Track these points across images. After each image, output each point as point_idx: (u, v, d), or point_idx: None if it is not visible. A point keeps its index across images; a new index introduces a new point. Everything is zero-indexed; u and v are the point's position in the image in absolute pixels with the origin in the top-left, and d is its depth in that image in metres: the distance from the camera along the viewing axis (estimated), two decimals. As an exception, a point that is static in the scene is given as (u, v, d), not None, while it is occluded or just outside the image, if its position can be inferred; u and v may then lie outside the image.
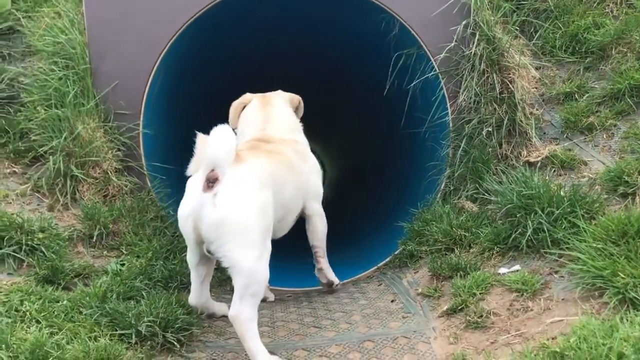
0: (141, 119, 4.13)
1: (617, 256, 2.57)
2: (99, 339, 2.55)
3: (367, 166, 7.83)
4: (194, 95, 5.53)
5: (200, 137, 2.82)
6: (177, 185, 4.31)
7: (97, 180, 3.93)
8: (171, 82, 4.71)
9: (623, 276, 2.44)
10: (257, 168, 2.94)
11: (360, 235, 5.94)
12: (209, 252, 2.76)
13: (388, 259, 4.08)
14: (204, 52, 4.97)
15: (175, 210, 3.99)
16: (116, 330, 2.70)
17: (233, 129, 2.91)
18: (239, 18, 4.72)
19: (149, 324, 2.67)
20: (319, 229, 3.67)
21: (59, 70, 4.06)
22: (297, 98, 3.90)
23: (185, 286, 3.41)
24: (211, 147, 2.68)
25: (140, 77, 4.16)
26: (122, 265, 3.44)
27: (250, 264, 2.68)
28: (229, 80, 5.72)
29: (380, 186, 6.55)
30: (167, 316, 2.75)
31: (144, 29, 4.18)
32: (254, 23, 4.86)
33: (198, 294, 3.01)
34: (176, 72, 4.72)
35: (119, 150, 4.06)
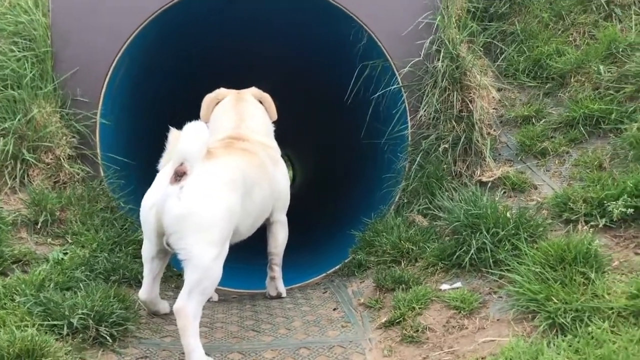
0: (99, 107, 4.08)
1: (553, 281, 2.62)
2: (27, 328, 2.49)
3: (330, 173, 7.85)
4: (160, 88, 5.48)
5: (173, 132, 2.86)
6: (131, 177, 4.29)
7: (49, 166, 3.86)
8: (136, 72, 4.66)
9: (556, 301, 2.49)
10: (228, 167, 2.93)
11: (317, 240, 5.94)
12: (168, 244, 2.75)
13: (338, 267, 4.10)
14: (172, 45, 4.93)
15: (127, 203, 3.99)
16: (48, 321, 2.64)
17: (205, 123, 2.91)
18: (208, 16, 4.69)
19: (83, 316, 2.61)
20: (280, 237, 3.66)
21: (19, 51, 3.99)
22: (266, 96, 3.85)
23: (127, 280, 3.37)
24: (183, 140, 2.71)
25: (102, 65, 4.11)
26: (65, 254, 3.38)
27: (208, 262, 2.67)
28: (197, 76, 5.70)
29: (340, 194, 6.58)
30: (103, 310, 2.70)
31: (110, 17, 4.13)
32: (223, 22, 4.84)
33: (149, 289, 3.00)
34: (142, 63, 4.67)
35: (74, 137, 3.99)
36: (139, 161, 4.84)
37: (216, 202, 2.76)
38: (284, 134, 3.99)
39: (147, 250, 2.94)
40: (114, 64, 4.13)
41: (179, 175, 2.71)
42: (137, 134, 5.02)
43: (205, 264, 2.66)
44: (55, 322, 2.62)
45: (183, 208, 2.66)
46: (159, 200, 2.71)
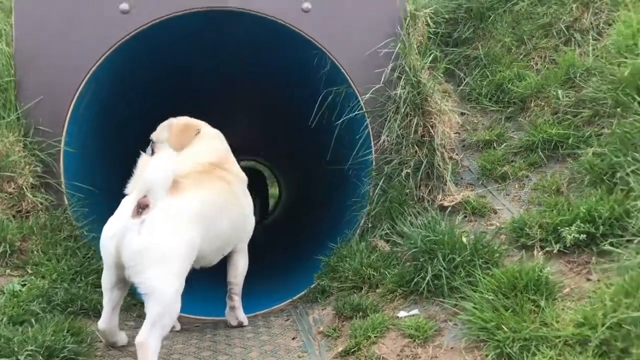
0: (63, 135, 4.07)
1: (504, 309, 2.64)
2: (-27, 366, 2.46)
3: (297, 198, 7.88)
4: (131, 112, 5.48)
5: (143, 157, 2.89)
6: (97, 204, 4.27)
7: (11, 196, 3.85)
8: (104, 98, 4.67)
9: (505, 330, 2.50)
10: (193, 201, 2.94)
11: (286, 264, 5.93)
12: (128, 277, 2.76)
13: (303, 292, 4.09)
14: (142, 68, 4.94)
15: (91, 230, 3.98)
16: (-3, 357, 2.62)
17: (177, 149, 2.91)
18: (176, 40, 4.71)
19: (31, 352, 2.59)
20: (240, 266, 3.66)
21: (-19, 80, 3.98)
22: None
23: (86, 311, 3.35)
24: (148, 172, 2.72)
25: (67, 93, 4.11)
26: (23, 285, 3.35)
27: (170, 296, 2.70)
28: (167, 99, 5.71)
29: (310, 217, 6.59)
30: (54, 344, 2.68)
31: (75, 44, 4.14)
32: (191, 46, 4.86)
33: (108, 319, 2.98)
34: (110, 88, 4.68)
35: (37, 166, 3.98)
36: (109, 186, 4.84)
37: (176, 238, 2.78)
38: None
39: (107, 279, 2.92)
40: (78, 92, 4.14)
41: (141, 207, 2.71)
42: (107, 159, 5.01)
43: (165, 299, 2.69)
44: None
45: (142, 243, 2.67)
46: (119, 232, 2.72)
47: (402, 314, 3.09)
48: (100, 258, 3.70)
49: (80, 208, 4.06)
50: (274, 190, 15.66)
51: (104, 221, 4.21)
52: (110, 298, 2.95)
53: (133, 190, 2.84)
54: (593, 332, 2.29)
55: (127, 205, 2.79)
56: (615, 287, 2.45)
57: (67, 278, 3.52)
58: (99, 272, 3.63)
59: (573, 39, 4.22)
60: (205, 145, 3.59)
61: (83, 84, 4.15)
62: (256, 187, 11.67)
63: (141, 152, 2.92)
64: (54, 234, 3.82)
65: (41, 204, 3.93)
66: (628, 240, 2.76)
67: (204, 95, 5.93)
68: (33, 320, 2.92)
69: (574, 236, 2.96)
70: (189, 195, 2.92)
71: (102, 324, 2.99)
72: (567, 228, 3.01)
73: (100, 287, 3.16)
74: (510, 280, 2.75)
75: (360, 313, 3.16)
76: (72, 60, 4.13)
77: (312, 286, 4.01)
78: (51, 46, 4.13)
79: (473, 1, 4.70)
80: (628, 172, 3.00)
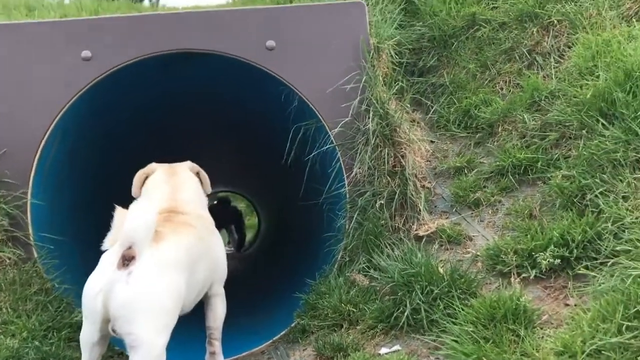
0: (29, 187, 3.99)
1: (484, 341, 2.61)
2: None
3: (276, 230, 7.84)
4: (102, 159, 5.43)
5: (119, 211, 2.79)
6: (67, 255, 4.19)
7: (-23, 252, 3.75)
8: (72, 147, 4.61)
9: (487, 362, 2.48)
10: (176, 248, 2.90)
11: (265, 305, 5.85)
12: (113, 330, 2.65)
13: (284, 332, 4.02)
14: (106, 117, 4.90)
15: (62, 282, 3.88)
16: None
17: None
18: (141, 83, 4.69)
19: (1, 419, 2.49)
20: (219, 311, 3.54)
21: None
22: (202, 170, 3.78)
23: (58, 370, 3.24)
24: (129, 224, 2.64)
25: (31, 144, 4.03)
26: (-8, 346, 3.24)
27: (159, 349, 2.65)
28: (140, 142, 5.67)
29: (285, 251, 6.54)
30: (25, 409, 2.58)
31: (37, 95, 4.08)
32: (157, 89, 4.84)
33: None
34: (78, 136, 4.62)
35: (3, 220, 3.88)
36: (80, 236, 4.76)
37: (165, 287, 2.73)
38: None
39: (89, 336, 2.76)
40: (43, 141, 4.07)
41: (127, 259, 2.64)
42: (77, 209, 4.93)
43: (153, 353, 2.62)
44: None
45: (131, 293, 2.60)
46: (106, 286, 2.63)
47: (383, 350, 3.05)
48: (74, 311, 3.70)
49: (50, 260, 3.95)
50: (253, 221, 15.61)
51: (75, 271, 4.17)
52: (90, 356, 2.79)
53: (112, 244, 2.76)
54: (573, 360, 2.28)
55: (109, 259, 2.71)
56: (592, 312, 2.45)
57: (38, 335, 3.41)
58: (72, 325, 3.57)
59: (535, 63, 4.30)
60: (155, 192, 3.51)
61: (48, 133, 4.08)
62: (228, 219, 11.61)
63: (115, 205, 2.83)
64: (23, 288, 3.72)
65: (9, 258, 3.82)
66: (602, 263, 2.78)
67: (176, 135, 5.91)
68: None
69: (549, 261, 2.97)
70: (171, 243, 2.88)
71: None
72: (542, 253, 3.02)
73: (74, 341, 3.17)
74: (489, 311, 2.74)
75: (342, 353, 3.11)
76: (35, 110, 4.06)
77: (292, 325, 3.94)
78: (13, 96, 4.06)
79: (435, 30, 4.77)
80: (597, 194, 3.03)
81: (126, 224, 2.65)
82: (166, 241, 2.85)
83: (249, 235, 14.61)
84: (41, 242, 3.99)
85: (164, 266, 2.76)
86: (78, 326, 3.39)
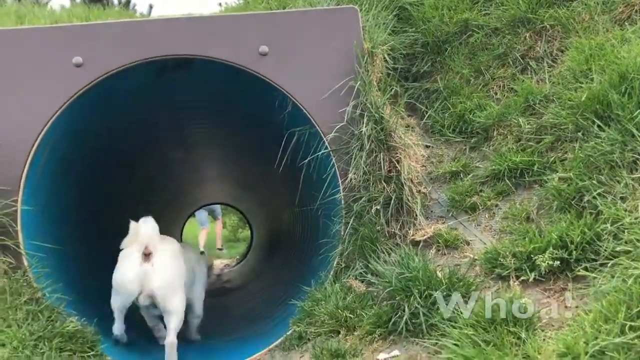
0: (20, 194, 3.92)
1: (485, 344, 2.58)
2: None
3: (270, 245, 7.78)
4: (97, 167, 5.36)
5: (132, 224, 3.91)
6: (59, 263, 4.12)
7: (-34, 262, 3.67)
8: (63, 155, 4.56)
9: (488, 366, 2.44)
10: (174, 244, 4.23)
11: (261, 313, 5.78)
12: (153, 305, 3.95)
13: (280, 340, 3.96)
14: (98, 123, 4.85)
15: (54, 291, 3.82)
16: None
17: None
18: (134, 90, 4.65)
19: None
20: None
21: None
22: None
23: (50, 380, 3.17)
24: (144, 230, 3.87)
25: (22, 151, 3.97)
26: (-18, 357, 3.17)
27: (181, 310, 4.02)
28: (128, 150, 5.62)
29: (279, 263, 6.49)
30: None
31: (28, 101, 4.02)
32: (150, 95, 4.80)
33: (121, 325, 4.01)
34: (69, 144, 4.56)
35: (-7, 228, 3.82)
36: (73, 243, 4.69)
37: (177, 269, 4.05)
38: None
39: (121, 305, 3.94)
40: (34, 148, 4.00)
41: (147, 255, 3.80)
42: (69, 216, 4.86)
43: (180, 312, 3.99)
44: None
45: (161, 279, 3.84)
46: (140, 276, 3.79)
47: (382, 356, 3.01)
48: (65, 321, 3.66)
49: (41, 269, 3.89)
50: (246, 233, 15.50)
51: (68, 279, 4.11)
52: (121, 315, 3.98)
53: (130, 245, 3.87)
54: (577, 361, 2.25)
55: (130, 255, 3.84)
56: (593, 313, 2.42)
57: (29, 345, 3.33)
58: (63, 335, 3.55)
59: (529, 67, 4.30)
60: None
61: (39, 140, 4.03)
62: None
63: (130, 220, 3.90)
64: (13, 298, 3.64)
65: (-1, 267, 3.75)
66: (601, 264, 2.76)
67: (170, 141, 5.85)
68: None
69: (548, 263, 2.95)
70: (168, 241, 4.16)
71: (117, 329, 3.99)
72: (541, 255, 2.99)
73: (65, 350, 3.45)
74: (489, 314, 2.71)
75: (339, 359, 3.06)
76: (26, 116, 4.01)
77: (288, 333, 3.88)
78: (3, 102, 4.01)
79: (429, 35, 4.76)
80: (595, 195, 3.02)
81: (141, 230, 3.84)
82: (166, 240, 4.13)
83: (242, 248, 14.52)
84: (32, 251, 3.92)
85: (172, 256, 4.03)
86: (69, 336, 3.58)
